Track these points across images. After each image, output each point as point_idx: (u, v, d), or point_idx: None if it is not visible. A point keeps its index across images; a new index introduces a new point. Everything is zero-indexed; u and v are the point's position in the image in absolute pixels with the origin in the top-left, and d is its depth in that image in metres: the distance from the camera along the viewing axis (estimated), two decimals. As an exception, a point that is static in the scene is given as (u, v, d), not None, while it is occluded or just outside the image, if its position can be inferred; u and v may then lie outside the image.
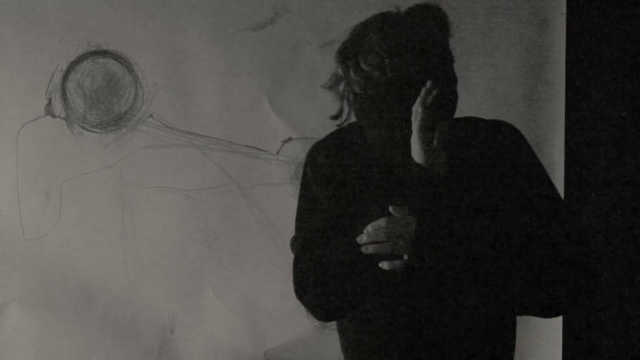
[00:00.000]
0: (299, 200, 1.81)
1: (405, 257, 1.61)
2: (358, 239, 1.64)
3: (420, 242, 1.60)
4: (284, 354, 2.67)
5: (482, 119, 1.78)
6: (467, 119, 1.76)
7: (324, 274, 1.67)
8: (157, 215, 2.68)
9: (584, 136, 2.67)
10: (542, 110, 2.62)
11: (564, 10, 2.61)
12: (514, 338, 1.80)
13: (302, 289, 1.72)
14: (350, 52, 1.65)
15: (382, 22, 1.64)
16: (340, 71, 1.67)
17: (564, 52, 2.61)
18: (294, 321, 2.66)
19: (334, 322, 2.65)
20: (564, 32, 2.61)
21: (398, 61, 1.58)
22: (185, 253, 2.69)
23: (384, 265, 1.62)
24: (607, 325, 2.70)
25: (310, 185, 1.78)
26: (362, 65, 1.62)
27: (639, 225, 2.68)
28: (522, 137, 1.75)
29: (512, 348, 1.79)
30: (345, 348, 1.87)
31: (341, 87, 1.69)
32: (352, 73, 1.64)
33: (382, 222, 1.62)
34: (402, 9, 1.68)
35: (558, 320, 2.62)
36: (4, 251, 2.69)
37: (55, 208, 2.69)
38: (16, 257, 2.69)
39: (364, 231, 1.63)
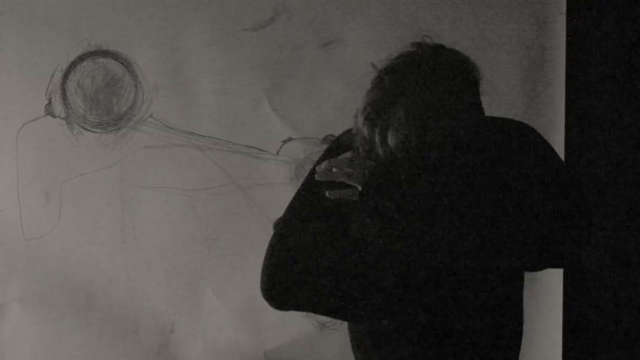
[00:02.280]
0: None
1: (359, 187, 1.64)
2: (317, 170, 1.67)
3: (376, 173, 1.61)
4: (284, 354, 2.67)
5: (497, 118, 1.76)
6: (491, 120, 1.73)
7: (306, 265, 1.66)
8: (157, 215, 2.68)
9: (584, 136, 2.67)
10: (542, 110, 2.62)
11: (564, 10, 2.61)
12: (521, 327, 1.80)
13: (274, 270, 1.69)
14: (377, 121, 1.58)
15: (411, 87, 1.56)
16: (365, 132, 1.61)
17: (564, 52, 2.61)
18: (294, 321, 2.66)
19: (333, 323, 2.66)
20: (564, 32, 2.61)
21: (426, 142, 1.54)
22: (185, 253, 2.69)
23: (331, 194, 1.65)
24: (607, 325, 2.70)
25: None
26: (389, 139, 1.57)
27: (639, 225, 2.68)
28: (542, 138, 1.74)
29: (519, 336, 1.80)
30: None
31: (366, 137, 1.64)
32: (377, 140, 1.59)
33: (346, 154, 1.66)
34: (430, 41, 1.64)
35: (558, 320, 2.62)
36: (4, 251, 2.69)
37: (55, 208, 2.69)
38: (16, 257, 2.69)
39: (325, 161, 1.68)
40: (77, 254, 2.69)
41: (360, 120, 1.61)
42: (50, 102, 2.69)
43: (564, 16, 2.61)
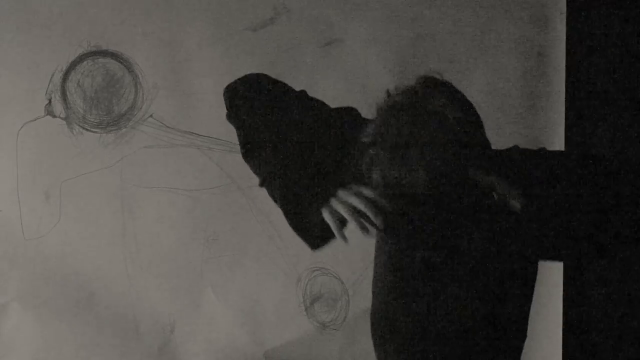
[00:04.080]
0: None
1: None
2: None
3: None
4: (284, 354, 2.67)
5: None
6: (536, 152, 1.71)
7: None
8: (157, 215, 2.69)
9: (584, 136, 2.67)
10: (542, 110, 2.62)
11: (564, 10, 2.61)
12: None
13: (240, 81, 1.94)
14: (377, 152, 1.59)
15: (407, 131, 1.55)
16: (371, 158, 1.60)
17: (564, 52, 2.61)
18: (294, 321, 2.66)
19: (333, 323, 2.66)
20: (564, 32, 2.61)
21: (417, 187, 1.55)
22: (185, 253, 2.69)
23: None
24: (607, 325, 2.70)
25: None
26: (375, 174, 1.58)
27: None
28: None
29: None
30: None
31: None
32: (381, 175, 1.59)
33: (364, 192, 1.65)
34: (439, 77, 1.61)
35: (558, 320, 2.62)
36: (4, 251, 2.69)
37: (55, 208, 2.69)
38: (16, 257, 2.69)
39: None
40: (77, 254, 2.69)
41: (365, 146, 1.61)
42: (50, 102, 2.69)
43: (564, 16, 2.61)
